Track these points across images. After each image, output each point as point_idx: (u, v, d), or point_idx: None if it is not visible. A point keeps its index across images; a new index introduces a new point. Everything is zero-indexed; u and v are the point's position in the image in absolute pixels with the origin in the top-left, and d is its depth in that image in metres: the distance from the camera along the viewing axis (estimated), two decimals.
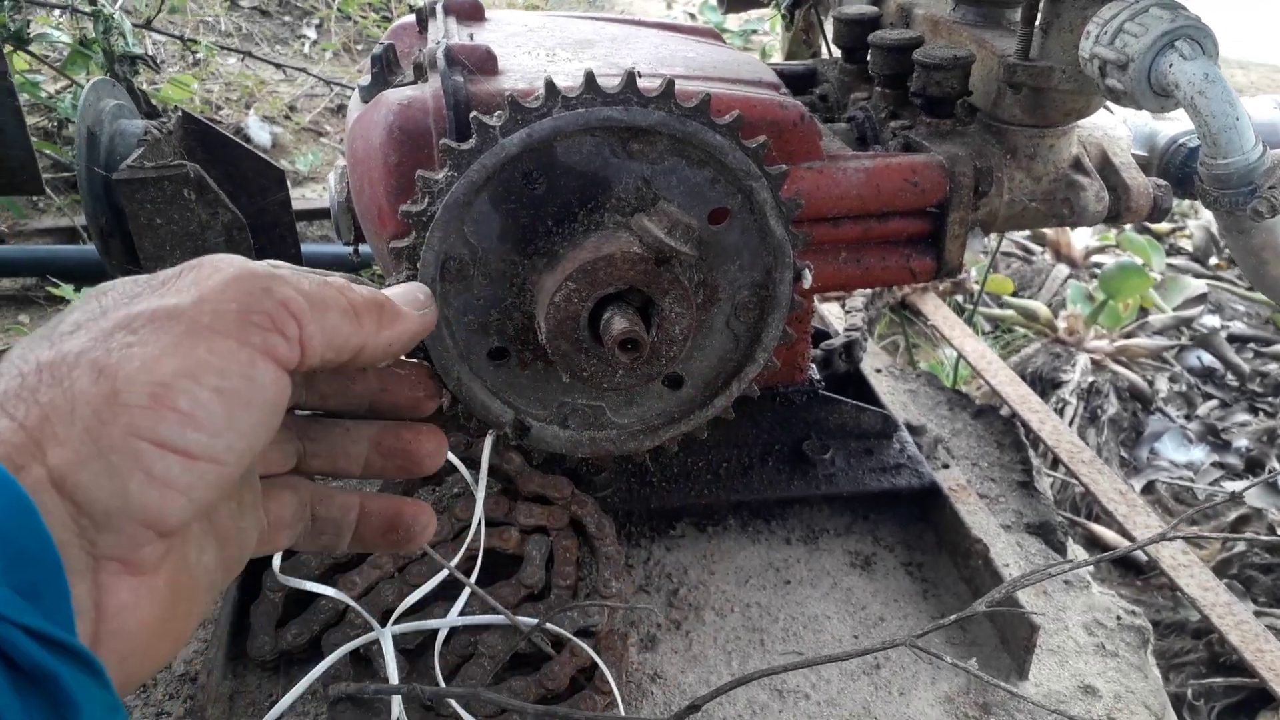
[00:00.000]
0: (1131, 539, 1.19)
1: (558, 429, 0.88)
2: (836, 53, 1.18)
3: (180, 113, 0.95)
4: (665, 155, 0.76)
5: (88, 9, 1.63)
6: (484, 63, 0.84)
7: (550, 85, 0.73)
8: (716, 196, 0.78)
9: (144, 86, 2.12)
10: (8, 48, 1.65)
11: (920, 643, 0.63)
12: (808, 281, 0.85)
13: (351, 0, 2.97)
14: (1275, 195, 0.73)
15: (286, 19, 3.02)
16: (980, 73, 0.96)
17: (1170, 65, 0.75)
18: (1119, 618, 1.05)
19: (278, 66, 2.42)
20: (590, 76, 0.73)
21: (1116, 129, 1.03)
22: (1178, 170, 1.05)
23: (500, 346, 0.82)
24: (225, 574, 0.48)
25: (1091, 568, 1.33)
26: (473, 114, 0.73)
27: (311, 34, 3.01)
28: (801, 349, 1.07)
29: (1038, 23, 0.89)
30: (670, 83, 0.74)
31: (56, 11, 1.93)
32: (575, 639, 0.90)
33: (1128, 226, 2.63)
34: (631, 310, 0.76)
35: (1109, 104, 0.98)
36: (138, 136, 0.86)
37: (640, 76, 0.75)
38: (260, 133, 2.37)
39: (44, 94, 2.06)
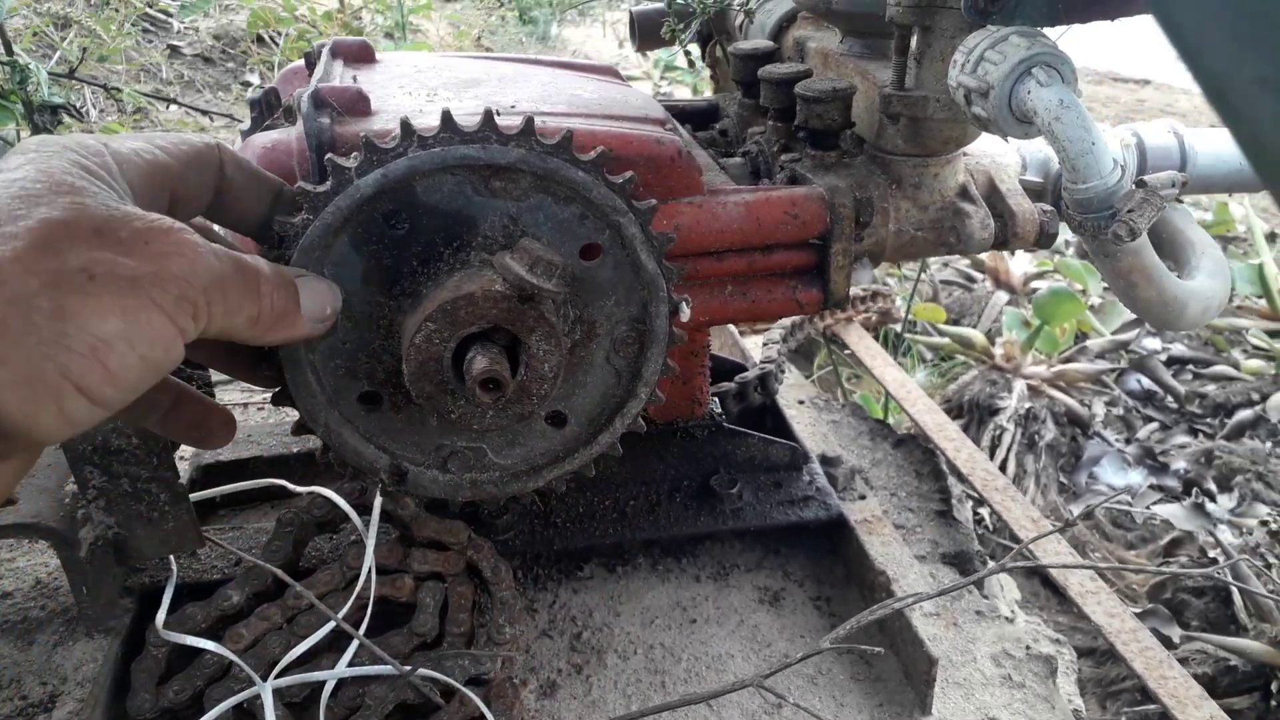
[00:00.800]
0: (1044, 569, 1.18)
1: (437, 473, 0.86)
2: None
3: None
4: (530, 192, 0.76)
5: (4, 60, 1.62)
6: (355, 104, 0.83)
7: (406, 125, 0.72)
8: (585, 232, 0.78)
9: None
10: None
11: (770, 683, 0.62)
12: (686, 315, 0.84)
13: (291, 46, 2.98)
14: (1133, 219, 0.73)
15: (229, 65, 3.02)
16: (863, 104, 0.97)
17: (1028, 92, 0.75)
18: (1028, 648, 1.04)
19: (205, 113, 2.41)
20: (447, 115, 0.72)
21: (1006, 155, 1.04)
22: None
23: (371, 390, 0.81)
24: None
25: (1018, 596, 1.32)
26: (327, 155, 0.73)
27: (255, 79, 3.01)
28: (698, 384, 1.06)
29: (911, 53, 0.89)
30: (530, 120, 0.73)
31: None
32: (463, 689, 0.88)
33: (1069, 251, 2.66)
34: (496, 349, 0.75)
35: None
36: None
37: (501, 115, 0.75)
38: None
39: None
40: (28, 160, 0.46)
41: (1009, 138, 0.85)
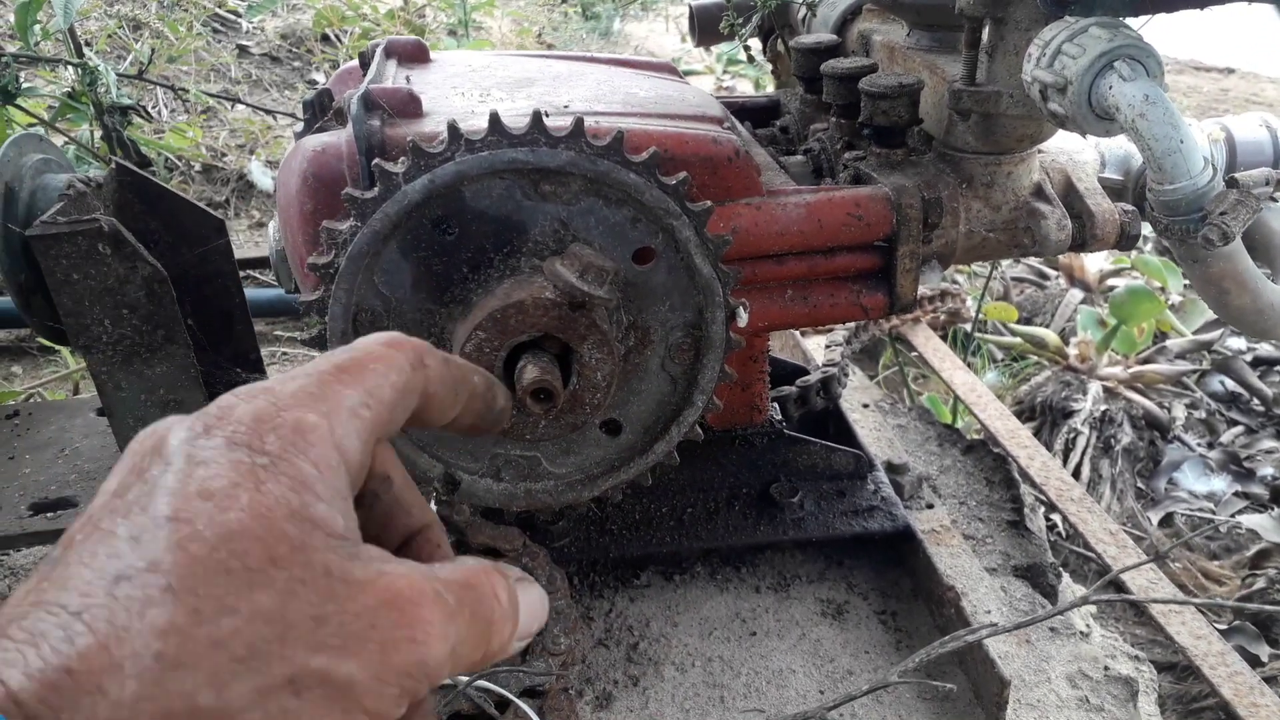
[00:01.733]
0: (1124, 585, 1.13)
1: (491, 482, 0.85)
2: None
3: (114, 165, 0.94)
4: (580, 196, 0.73)
5: (75, 61, 1.65)
6: (406, 106, 0.82)
7: (453, 128, 0.70)
8: (638, 236, 0.75)
9: (145, 136, 2.14)
10: None
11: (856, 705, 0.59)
12: (743, 320, 0.81)
13: (357, 45, 3.00)
14: (1226, 221, 0.68)
15: (295, 64, 3.06)
16: (932, 99, 0.92)
17: (1110, 87, 0.70)
18: (1107, 669, 0.99)
19: (269, 112, 2.44)
20: (495, 117, 0.70)
21: (1083, 153, 0.99)
22: None
23: None
24: None
25: (1094, 610, 1.26)
26: (375, 160, 0.71)
27: (320, 78, 3.04)
28: (758, 390, 1.02)
29: (983, 46, 0.85)
30: (580, 121, 0.71)
31: (49, 66, 1.95)
32: (518, 700, 0.86)
33: (1147, 248, 2.55)
34: (547, 358, 0.73)
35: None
36: (59, 191, 0.85)
37: (550, 115, 0.73)
38: (262, 178, 2.38)
39: None
40: (238, 481, 0.34)
41: (1087, 135, 0.80)
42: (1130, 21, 0.76)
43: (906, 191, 0.85)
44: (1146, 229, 0.95)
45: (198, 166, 2.37)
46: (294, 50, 3.08)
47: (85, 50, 1.65)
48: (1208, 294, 0.79)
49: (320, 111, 0.92)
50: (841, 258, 0.88)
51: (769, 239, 0.85)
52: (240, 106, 2.67)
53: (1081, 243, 0.92)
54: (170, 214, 0.98)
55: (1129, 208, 0.92)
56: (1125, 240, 0.91)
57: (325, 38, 3.09)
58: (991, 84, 0.84)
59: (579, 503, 0.86)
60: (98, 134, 1.89)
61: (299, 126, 0.92)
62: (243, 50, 2.99)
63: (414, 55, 1.03)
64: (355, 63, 1.07)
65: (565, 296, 0.71)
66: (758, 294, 0.88)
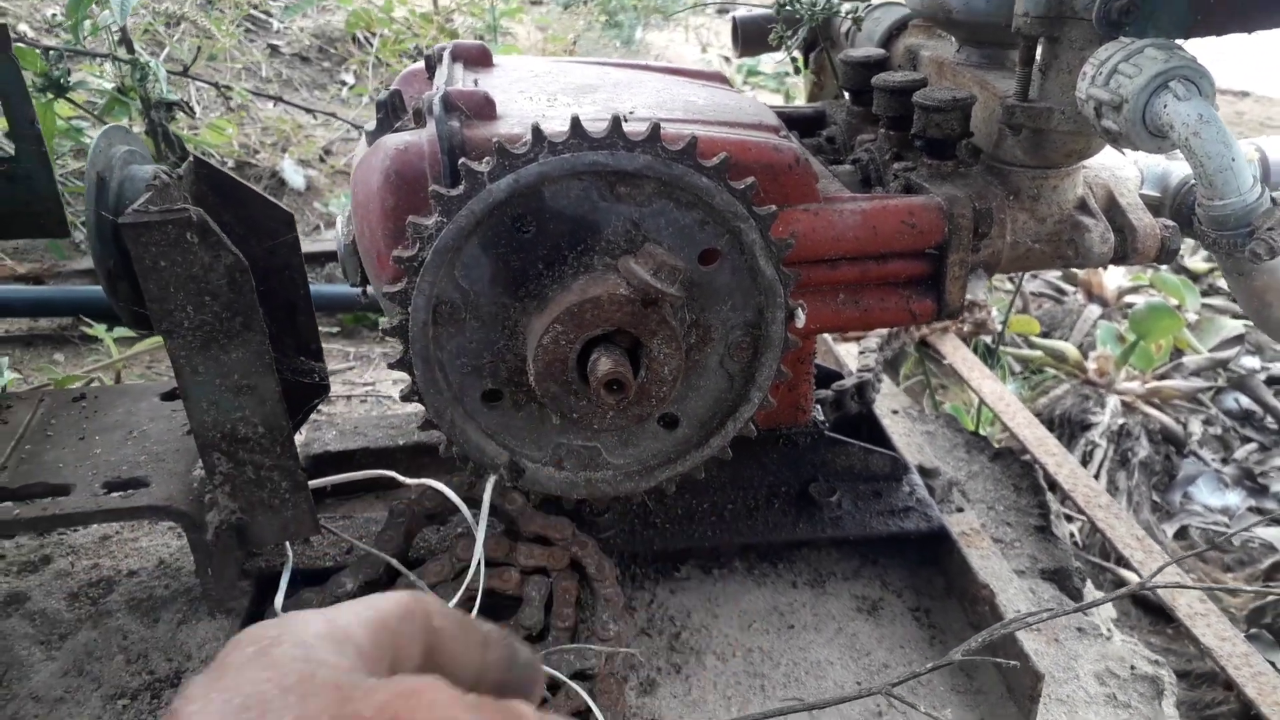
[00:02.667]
0: (1153, 591, 1.16)
1: (553, 470, 0.88)
2: (846, 95, 1.19)
3: (192, 158, 0.97)
4: (653, 198, 0.77)
5: (126, 58, 1.69)
6: (482, 108, 0.85)
7: (537, 131, 0.74)
8: (705, 238, 0.79)
9: (181, 131, 2.18)
10: (49, 95, 1.71)
11: (901, 690, 0.62)
12: (801, 321, 0.84)
13: (386, 47, 3.04)
14: (1274, 237, 0.72)
15: (325, 65, 3.10)
16: (982, 114, 0.96)
17: (1165, 106, 0.74)
18: (1133, 668, 1.02)
19: (308, 111, 2.48)
20: (576, 122, 0.74)
21: (1125, 169, 1.02)
22: (1190, 211, 1.03)
23: (494, 388, 0.83)
24: None
25: (1114, 615, 1.29)
26: (461, 160, 0.75)
27: (349, 79, 3.08)
28: (803, 390, 1.06)
29: (1036, 64, 0.88)
30: (656, 126, 0.75)
31: (97, 60, 1.99)
32: (570, 682, 0.90)
33: (1163, 266, 2.58)
34: (619, 351, 0.76)
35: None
36: (146, 181, 0.89)
37: (626, 120, 0.76)
38: (294, 176, 2.42)
39: (87, 140, 2.13)
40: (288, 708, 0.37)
41: (1133, 151, 0.84)
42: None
43: (958, 202, 0.89)
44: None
45: (231, 163, 2.41)
46: (325, 50, 3.12)
47: (135, 47, 1.69)
48: (1250, 306, 0.82)
49: (392, 112, 0.96)
50: (893, 264, 0.91)
51: (825, 244, 0.89)
52: (271, 105, 2.71)
53: (1123, 255, 0.96)
54: (243, 206, 1.01)
55: (1169, 223, 0.96)
56: (1165, 254, 0.95)
57: (355, 39, 3.13)
58: (1044, 100, 0.88)
59: (635, 493, 0.90)
60: (138, 128, 1.93)
61: (370, 126, 0.95)
62: (274, 49, 3.03)
63: (478, 59, 1.06)
64: (419, 65, 1.11)
65: (639, 293, 0.74)
66: (811, 296, 0.91)
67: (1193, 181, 1.06)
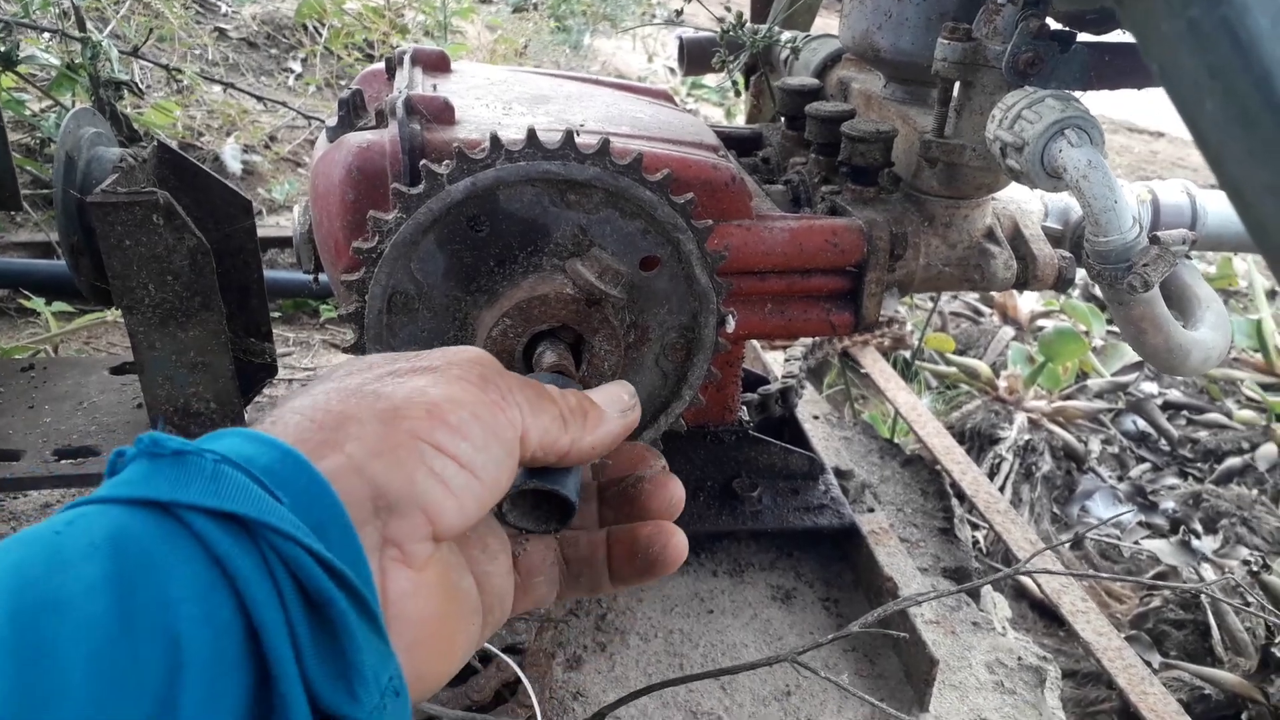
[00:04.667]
0: (1040, 587, 1.26)
1: None
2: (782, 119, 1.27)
3: (156, 142, 1.01)
4: (600, 207, 0.83)
5: (78, 35, 1.70)
6: (441, 113, 0.91)
7: (495, 139, 0.80)
8: (647, 246, 0.85)
9: (127, 110, 2.18)
10: None
11: (805, 659, 0.69)
12: (731, 327, 0.92)
13: (337, 38, 3.05)
14: (1148, 272, 0.81)
15: (273, 52, 3.10)
16: (903, 146, 1.04)
17: (1060, 150, 0.83)
18: (1020, 658, 1.11)
19: (259, 99, 2.49)
20: (532, 132, 0.80)
21: (1030, 203, 1.11)
22: None
23: None
24: (485, 624, 0.51)
25: (1009, 614, 1.39)
26: (422, 162, 0.80)
27: (297, 67, 3.08)
28: (731, 391, 1.13)
29: (952, 104, 0.97)
30: (606, 141, 0.81)
31: (45, 34, 1.98)
32: (502, 654, 0.96)
33: (1074, 293, 2.74)
34: (563, 346, 0.83)
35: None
36: (113, 163, 0.92)
37: (579, 134, 0.83)
38: (233, 161, 2.42)
39: (28, 112, 2.12)
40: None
41: (1036, 188, 0.93)
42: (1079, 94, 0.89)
43: (877, 225, 0.97)
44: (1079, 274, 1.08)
45: (173, 144, 2.41)
46: (272, 37, 3.12)
47: (88, 24, 1.69)
48: (1128, 332, 0.92)
49: (353, 110, 1.01)
50: (816, 279, 0.99)
51: (755, 257, 0.96)
52: (216, 89, 2.71)
53: (1024, 282, 1.05)
54: (202, 191, 1.05)
55: (1067, 254, 1.05)
56: (1061, 282, 1.04)
57: (305, 28, 3.14)
58: (957, 138, 0.96)
59: None
60: (83, 103, 1.93)
61: (332, 121, 1.00)
62: (221, 33, 3.02)
63: (437, 65, 1.12)
64: (379, 66, 1.16)
65: (584, 293, 0.81)
66: (741, 305, 0.99)
67: None
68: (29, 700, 0.28)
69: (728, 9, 1.42)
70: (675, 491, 0.61)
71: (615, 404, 0.56)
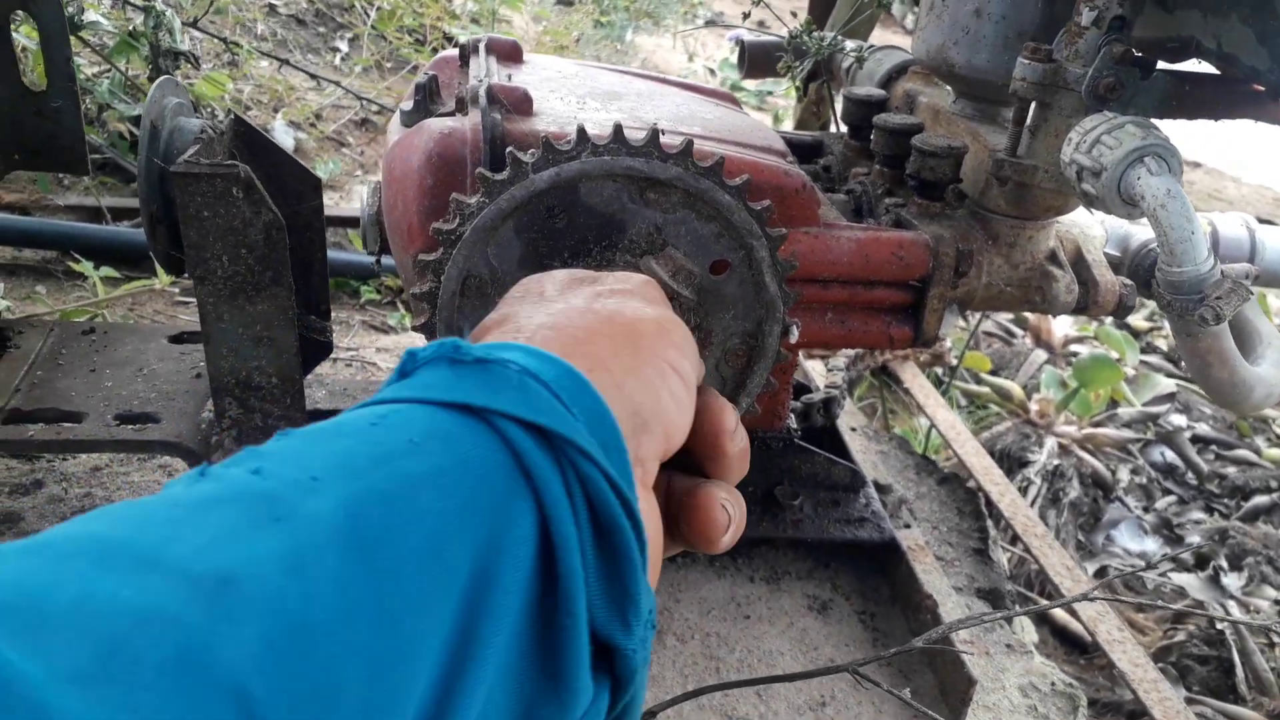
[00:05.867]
0: (1076, 615, 1.26)
1: None
2: (844, 127, 1.27)
3: (232, 115, 1.02)
4: (678, 207, 0.84)
5: (141, 3, 1.71)
6: (521, 104, 0.92)
7: (582, 132, 0.80)
8: (720, 250, 0.86)
9: (180, 81, 2.19)
10: None
11: (863, 671, 0.70)
12: (794, 337, 0.92)
13: (387, 21, 3.07)
14: (1220, 305, 0.81)
15: (321, 30, 3.11)
16: (971, 163, 1.04)
17: (1138, 178, 0.83)
18: (1053, 684, 1.11)
19: (312, 76, 2.50)
20: (619, 128, 0.80)
21: (1093, 228, 1.11)
22: (1146, 272, 1.13)
23: None
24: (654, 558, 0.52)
25: (1035, 639, 1.39)
26: (509, 149, 0.81)
27: (344, 47, 3.09)
28: (783, 399, 1.13)
29: (1027, 124, 0.97)
30: (690, 142, 0.82)
31: (107, 1, 2.00)
32: None
33: (1107, 320, 2.73)
34: None
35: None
36: (194, 134, 0.93)
37: (663, 133, 0.83)
38: (285, 137, 2.44)
39: (83, 76, 2.14)
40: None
41: (1110, 214, 0.93)
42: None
43: (944, 241, 0.97)
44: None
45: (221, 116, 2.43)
46: (321, 15, 3.13)
47: None
48: (1193, 365, 0.92)
49: (429, 95, 1.01)
50: (880, 291, 0.99)
51: (821, 266, 0.96)
52: (265, 63, 2.72)
53: (1084, 307, 1.05)
54: (273, 166, 1.06)
55: (1128, 281, 1.05)
56: (1122, 309, 1.04)
57: (353, 6, 3.15)
58: (1030, 158, 0.96)
59: None
60: (143, 74, 1.94)
61: (408, 105, 1.00)
62: (271, 9, 3.04)
63: (510, 55, 1.12)
64: (453, 52, 1.16)
65: None
66: (803, 313, 0.99)
67: (1151, 245, 1.16)
68: (369, 584, 0.28)
69: (794, 14, 1.42)
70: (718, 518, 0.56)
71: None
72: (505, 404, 0.35)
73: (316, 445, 0.32)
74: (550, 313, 0.45)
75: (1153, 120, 0.88)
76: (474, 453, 0.33)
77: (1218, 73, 0.96)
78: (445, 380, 0.36)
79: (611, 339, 0.43)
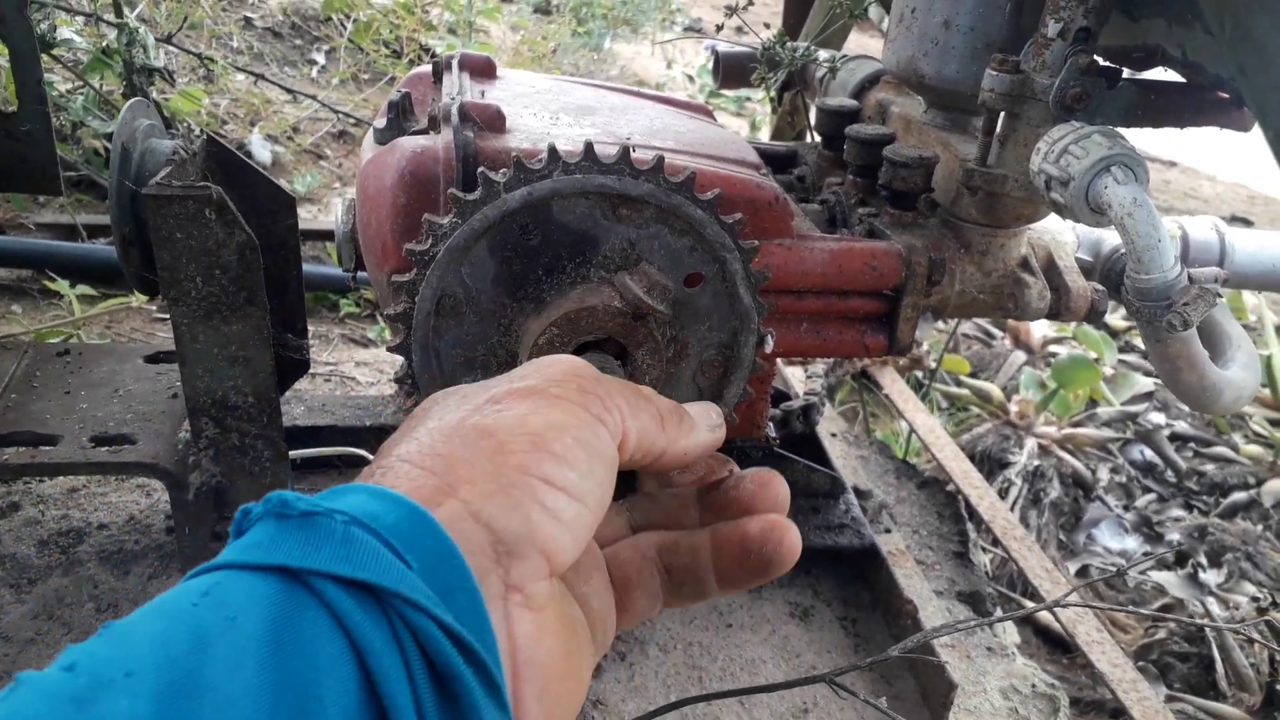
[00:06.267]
0: (1056, 616, 1.27)
1: None
2: (819, 137, 1.28)
3: (205, 136, 1.02)
4: (650, 222, 0.84)
5: (114, 20, 1.70)
6: (493, 121, 0.92)
7: (553, 150, 0.81)
8: (693, 263, 0.86)
9: (155, 97, 2.19)
10: None
11: (841, 681, 0.70)
12: (769, 346, 0.92)
13: (363, 33, 3.06)
14: (1188, 311, 0.82)
15: (298, 42, 3.10)
16: (943, 173, 1.05)
17: (1105, 187, 0.84)
18: (1034, 686, 1.12)
19: (288, 91, 2.50)
20: (589, 146, 0.81)
21: (1064, 234, 1.12)
22: (1117, 277, 1.14)
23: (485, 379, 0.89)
24: (595, 646, 0.50)
25: (1017, 640, 1.40)
26: (480, 169, 0.81)
27: (321, 59, 3.09)
28: (760, 408, 1.14)
29: (996, 134, 0.98)
30: (660, 158, 0.82)
31: (79, 18, 1.99)
32: None
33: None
34: (607, 357, 0.83)
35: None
36: (166, 155, 0.93)
37: (634, 149, 0.84)
38: (262, 151, 2.43)
39: (56, 93, 2.12)
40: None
41: (1078, 222, 0.94)
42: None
43: (916, 250, 0.98)
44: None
45: (197, 131, 2.42)
46: (297, 28, 3.13)
47: (125, 11, 1.70)
48: (1163, 370, 0.93)
49: (402, 113, 1.02)
50: (854, 300, 1.00)
51: (795, 277, 0.97)
52: (240, 77, 2.72)
53: (1056, 312, 1.06)
54: (247, 185, 1.06)
55: (1100, 287, 1.06)
56: (1093, 315, 1.05)
57: (330, 19, 3.15)
58: (1000, 167, 0.97)
59: None
60: (115, 90, 1.93)
61: (381, 123, 1.00)
62: (247, 22, 3.03)
63: (484, 70, 1.13)
64: (426, 68, 1.16)
65: (631, 307, 0.82)
66: (778, 323, 0.99)
67: (1122, 251, 1.17)
68: None
69: (766, 25, 1.43)
70: (781, 489, 0.58)
71: (704, 419, 0.56)
72: (324, 562, 0.34)
73: (137, 630, 0.32)
74: (417, 437, 0.43)
75: (1119, 129, 0.89)
76: (290, 623, 0.33)
77: (1183, 80, 0.97)
78: (269, 540, 0.35)
79: (470, 462, 0.41)
